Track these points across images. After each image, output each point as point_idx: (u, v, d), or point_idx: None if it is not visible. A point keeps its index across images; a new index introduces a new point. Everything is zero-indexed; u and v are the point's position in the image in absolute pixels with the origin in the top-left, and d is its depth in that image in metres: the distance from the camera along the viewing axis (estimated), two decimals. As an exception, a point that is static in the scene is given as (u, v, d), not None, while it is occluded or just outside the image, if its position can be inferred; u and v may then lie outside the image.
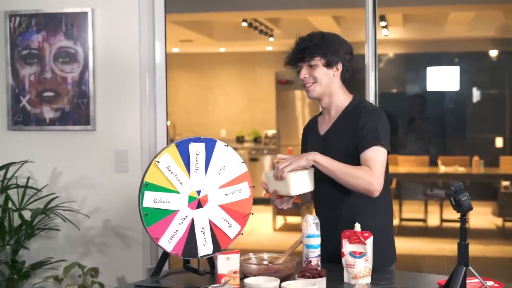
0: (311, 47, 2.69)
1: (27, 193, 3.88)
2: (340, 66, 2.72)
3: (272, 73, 10.76)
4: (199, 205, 2.44)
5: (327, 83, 2.71)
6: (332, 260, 2.51)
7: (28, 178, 3.90)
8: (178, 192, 2.40)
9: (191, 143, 2.42)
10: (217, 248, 2.49)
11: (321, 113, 2.88)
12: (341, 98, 2.76)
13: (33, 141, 3.99)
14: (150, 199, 2.35)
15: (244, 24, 8.74)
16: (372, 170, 2.52)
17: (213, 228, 2.48)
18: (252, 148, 10.68)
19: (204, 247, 2.47)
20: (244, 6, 7.52)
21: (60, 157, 3.98)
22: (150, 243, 3.87)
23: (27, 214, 3.78)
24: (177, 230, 2.41)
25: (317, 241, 2.40)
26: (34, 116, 3.94)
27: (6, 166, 3.82)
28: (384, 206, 2.70)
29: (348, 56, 2.75)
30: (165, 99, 3.91)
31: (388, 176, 2.68)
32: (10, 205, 3.78)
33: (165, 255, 2.48)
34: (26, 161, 3.91)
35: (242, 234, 2.54)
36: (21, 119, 3.96)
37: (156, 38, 3.87)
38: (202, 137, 2.45)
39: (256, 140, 10.96)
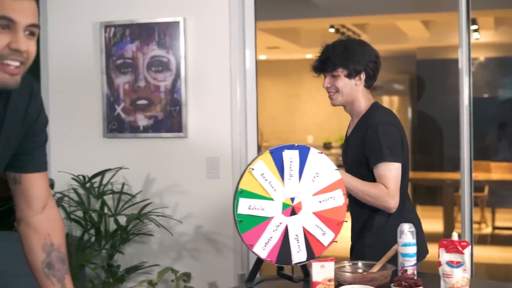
0: (333, 58, 2.77)
1: (122, 199, 3.98)
2: (363, 75, 2.81)
3: (359, 78, 10.68)
4: (293, 212, 2.44)
5: (349, 92, 2.81)
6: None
7: (123, 184, 4.00)
8: (272, 199, 2.40)
9: (285, 150, 2.41)
10: (311, 255, 2.48)
11: None
12: (362, 105, 2.85)
13: (127, 148, 4.09)
14: (245, 206, 2.36)
15: (331, 30, 8.70)
16: (387, 188, 2.65)
17: (307, 235, 2.46)
18: (339, 154, 10.59)
19: (298, 254, 2.46)
20: (331, 12, 7.48)
21: (153, 164, 4.06)
22: (241, 249, 3.89)
23: (122, 220, 3.87)
24: (271, 237, 2.41)
25: (413, 249, 2.36)
26: (128, 123, 4.04)
27: (102, 173, 3.92)
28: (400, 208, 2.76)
29: (372, 64, 2.82)
30: (255, 106, 3.94)
31: (405, 181, 2.79)
32: (106, 210, 3.89)
33: (259, 261, 2.49)
34: (120, 168, 4.01)
35: (336, 241, 2.52)
36: (116, 126, 4.06)
37: (246, 45, 3.91)
38: (296, 144, 2.44)
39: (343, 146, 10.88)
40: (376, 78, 2.87)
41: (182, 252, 4.04)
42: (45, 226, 1.92)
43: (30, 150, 1.87)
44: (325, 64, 2.79)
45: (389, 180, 2.66)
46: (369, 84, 2.85)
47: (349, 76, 2.78)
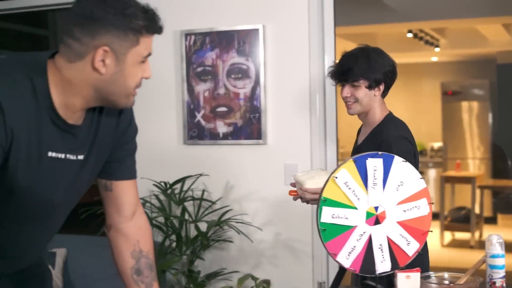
0: (356, 70, 2.75)
1: (202, 205, 4.01)
2: (382, 86, 2.81)
3: (437, 84, 10.47)
4: (377, 221, 2.40)
5: (367, 102, 2.82)
6: None
7: (203, 190, 4.03)
8: (356, 208, 2.37)
9: (369, 158, 2.38)
10: (395, 265, 2.44)
11: None
12: (377, 115, 2.87)
13: (207, 155, 4.13)
14: (328, 215, 2.34)
15: (410, 35, 8.59)
16: None
17: (391, 245, 2.42)
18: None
19: (382, 264, 2.42)
20: (409, 17, 7.39)
21: (232, 171, 4.08)
22: (321, 257, 3.87)
23: (202, 226, 3.90)
24: (355, 246, 2.38)
25: (501, 261, 2.29)
26: (208, 130, 4.08)
27: (183, 180, 3.97)
28: None
29: (391, 74, 2.82)
30: (335, 113, 3.92)
31: None
32: (186, 216, 3.93)
33: (342, 270, 2.47)
34: (201, 175, 4.05)
35: (420, 252, 2.47)
36: (196, 133, 4.10)
37: (326, 51, 3.89)
38: (380, 153, 2.41)
39: (422, 153, 10.70)
40: (391, 87, 2.88)
41: (261, 259, 4.04)
42: (134, 233, 1.96)
43: (121, 158, 1.92)
44: (347, 74, 2.77)
45: None
46: (385, 94, 2.87)
47: (370, 87, 2.78)
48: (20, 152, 1.63)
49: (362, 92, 2.78)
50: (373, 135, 2.84)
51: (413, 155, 2.75)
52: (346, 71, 2.77)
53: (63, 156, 1.72)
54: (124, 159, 1.93)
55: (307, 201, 2.85)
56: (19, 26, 5.78)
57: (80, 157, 1.76)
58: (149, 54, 1.71)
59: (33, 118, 1.63)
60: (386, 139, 2.74)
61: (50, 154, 1.69)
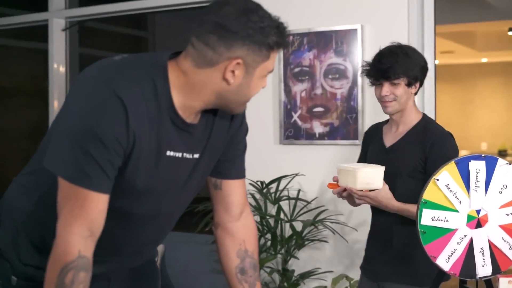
0: (397, 68, 2.71)
1: (297, 205, 4.03)
2: (418, 84, 2.80)
3: (538, 83, 10.15)
4: (478, 224, 2.36)
5: (405, 101, 2.78)
6: None
7: (299, 190, 4.05)
8: (457, 211, 2.34)
9: (471, 161, 2.35)
10: (496, 269, 2.39)
11: (386, 122, 2.96)
12: (413, 114, 2.84)
13: (303, 155, 4.14)
14: (428, 217, 2.32)
15: (510, 33, 8.35)
16: None
17: (493, 249, 2.38)
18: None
19: (483, 268, 2.38)
20: (510, 15, 7.19)
21: (328, 171, 4.08)
22: (417, 259, 3.82)
23: (297, 225, 3.92)
24: (455, 250, 2.35)
25: None
26: (305, 130, 4.09)
27: (279, 179, 4.00)
28: None
29: (424, 71, 2.78)
30: (433, 113, 3.86)
31: None
32: (282, 216, 3.96)
33: (441, 274, 2.43)
34: (296, 174, 4.07)
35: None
36: (292, 133, 4.13)
37: (425, 50, 3.83)
38: (483, 155, 2.37)
39: (520, 154, 10.40)
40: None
41: (356, 259, 4.02)
42: (241, 233, 1.99)
43: (232, 157, 1.95)
44: (388, 72, 2.71)
45: None
46: (417, 92, 2.84)
47: (409, 84, 2.75)
48: (141, 153, 1.66)
49: (402, 89, 2.74)
50: (415, 134, 2.80)
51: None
52: (387, 68, 2.72)
53: (180, 155, 1.75)
54: (235, 158, 1.96)
55: (353, 201, 2.89)
56: (120, 27, 5.96)
57: (196, 155, 1.80)
58: (273, 69, 1.75)
59: (154, 119, 1.66)
60: (440, 137, 2.75)
61: (168, 153, 1.72)
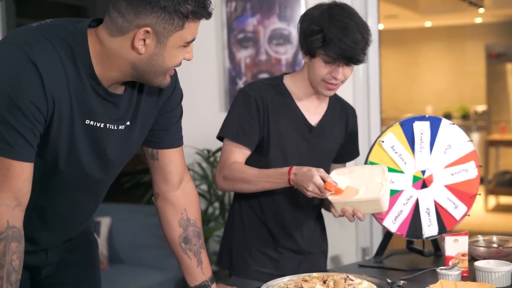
0: (366, 48, 2.27)
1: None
2: None
3: (481, 46, 10.27)
4: (424, 185, 2.38)
5: None
6: None
7: (246, 157, 4.02)
8: (402, 172, 2.35)
9: (416, 122, 2.35)
10: (442, 229, 2.41)
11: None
12: None
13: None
14: (374, 179, 2.32)
15: (453, -4, 8.41)
16: None
17: (438, 209, 2.40)
18: (460, 125, 10.22)
19: (429, 228, 2.40)
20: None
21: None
22: (364, 222, 3.84)
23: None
24: (401, 211, 2.36)
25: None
26: (250, 97, 4.05)
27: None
28: None
29: None
30: (378, 77, 3.86)
31: None
32: (229, 183, 3.93)
33: (388, 235, 2.45)
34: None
35: (468, 215, 2.44)
36: (238, 100, 4.08)
37: (369, 14, 3.82)
38: (427, 116, 2.38)
39: (465, 117, 10.55)
40: None
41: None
42: (181, 201, 1.95)
43: (166, 125, 1.90)
44: (360, 55, 2.25)
45: None
46: None
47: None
48: (62, 120, 1.63)
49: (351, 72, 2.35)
50: (335, 108, 2.48)
51: None
52: (359, 51, 2.24)
53: (102, 125, 1.71)
54: (169, 126, 1.91)
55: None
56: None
57: (121, 127, 1.75)
58: (193, 39, 1.67)
59: (73, 84, 1.62)
60: (353, 110, 2.55)
61: (87, 122, 1.68)
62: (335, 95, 2.48)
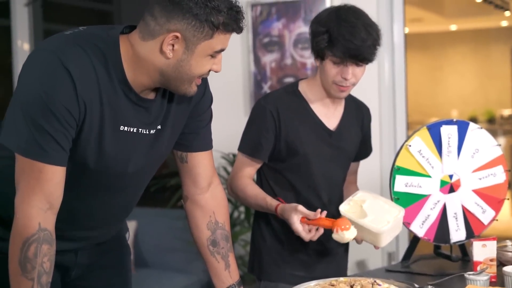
0: (376, 47, 2.27)
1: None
2: None
3: (507, 49, 10.20)
4: (451, 189, 2.36)
5: None
6: None
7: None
8: (429, 176, 2.34)
9: (443, 126, 2.34)
10: (470, 234, 2.40)
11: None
12: None
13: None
14: (402, 183, 2.32)
15: (479, -1, 8.37)
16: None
17: (466, 213, 2.39)
18: (485, 129, 10.19)
19: (457, 233, 2.39)
20: (478, -19, 7.19)
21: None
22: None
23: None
24: (428, 215, 2.35)
25: None
26: (275, 101, 4.05)
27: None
28: None
29: None
30: (404, 81, 3.84)
31: None
32: (255, 187, 3.93)
33: (416, 240, 2.44)
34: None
35: (496, 220, 2.42)
36: (263, 104, 4.09)
37: (394, 18, 3.81)
38: (455, 120, 2.36)
39: (490, 121, 10.47)
40: None
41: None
42: (210, 204, 1.96)
43: (195, 129, 1.92)
44: (370, 54, 2.25)
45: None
46: None
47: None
48: (93, 125, 1.65)
49: (363, 72, 2.35)
50: (351, 110, 2.49)
51: None
52: (368, 48, 2.25)
53: (134, 130, 1.72)
54: (199, 130, 1.93)
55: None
56: (85, 1, 5.85)
57: (152, 131, 1.77)
58: (222, 50, 1.68)
59: (106, 90, 1.64)
60: (367, 108, 2.58)
61: (122, 128, 1.70)
62: (349, 95, 2.48)
